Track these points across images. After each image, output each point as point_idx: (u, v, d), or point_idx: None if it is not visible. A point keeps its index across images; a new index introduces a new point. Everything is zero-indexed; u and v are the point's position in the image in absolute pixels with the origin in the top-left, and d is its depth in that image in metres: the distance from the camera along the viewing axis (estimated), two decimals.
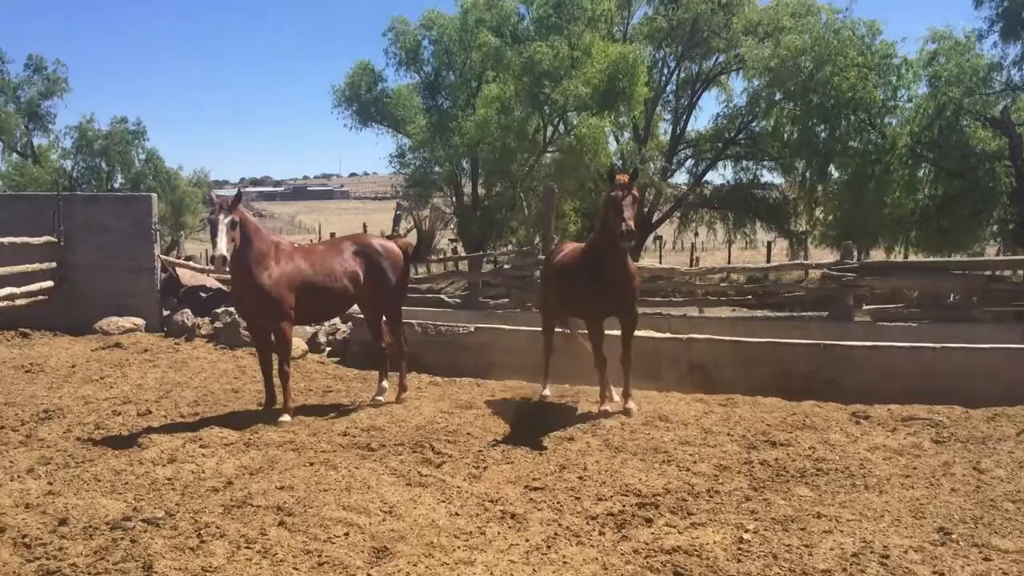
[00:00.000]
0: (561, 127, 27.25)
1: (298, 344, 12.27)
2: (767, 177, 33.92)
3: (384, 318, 8.95)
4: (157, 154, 39.88)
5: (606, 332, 8.42)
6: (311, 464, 6.34)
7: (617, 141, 34.61)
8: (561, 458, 6.62)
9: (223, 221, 7.28)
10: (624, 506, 5.53)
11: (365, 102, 30.57)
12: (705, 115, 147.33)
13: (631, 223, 7.35)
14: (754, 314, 15.57)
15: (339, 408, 8.51)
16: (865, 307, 11.87)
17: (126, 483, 5.91)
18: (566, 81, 25.78)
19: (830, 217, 26.10)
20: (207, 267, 16.23)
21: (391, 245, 8.87)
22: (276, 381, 8.10)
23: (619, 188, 7.53)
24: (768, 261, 29.19)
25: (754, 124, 31.32)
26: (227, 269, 7.40)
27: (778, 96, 25.25)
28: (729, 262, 34.99)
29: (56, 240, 13.62)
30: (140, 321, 13.58)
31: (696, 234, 40.23)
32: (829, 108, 23.80)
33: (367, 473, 6.11)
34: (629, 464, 6.44)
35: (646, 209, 35.35)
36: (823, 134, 24.33)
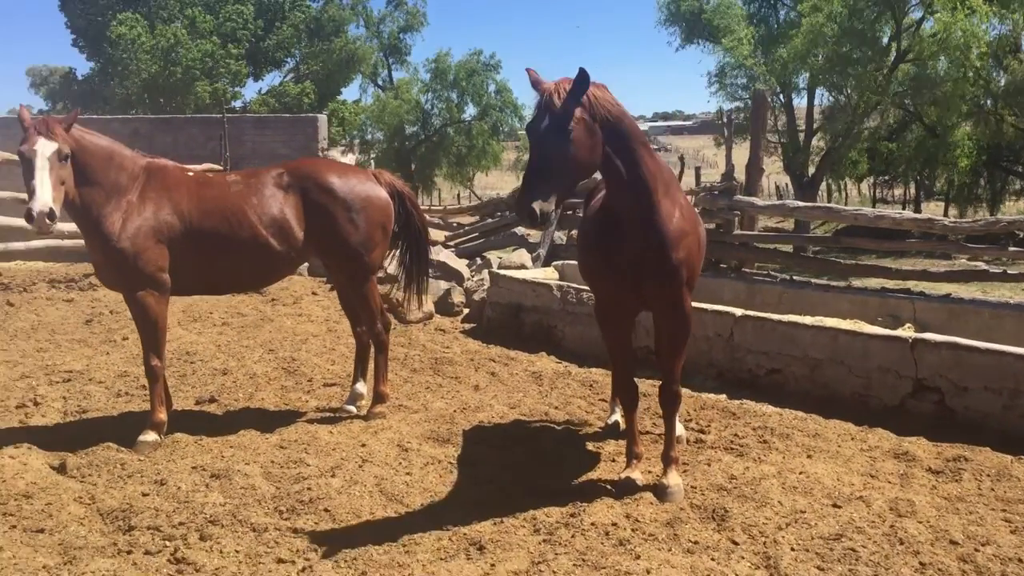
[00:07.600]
0: (927, 27, 20.99)
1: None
2: None
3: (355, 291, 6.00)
4: (507, 85, 39.15)
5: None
6: None
7: None
8: None
9: (41, 153, 4.75)
10: None
11: (687, 15, 26.60)
12: None
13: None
14: None
15: (269, 422, 5.74)
16: None
17: None
18: None
19: None
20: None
21: (355, 180, 5.75)
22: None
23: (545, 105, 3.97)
24: None
25: None
26: (52, 228, 4.77)
27: None
28: None
29: (220, 168, 12.42)
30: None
31: None
32: None
33: None
34: None
35: None
36: None
